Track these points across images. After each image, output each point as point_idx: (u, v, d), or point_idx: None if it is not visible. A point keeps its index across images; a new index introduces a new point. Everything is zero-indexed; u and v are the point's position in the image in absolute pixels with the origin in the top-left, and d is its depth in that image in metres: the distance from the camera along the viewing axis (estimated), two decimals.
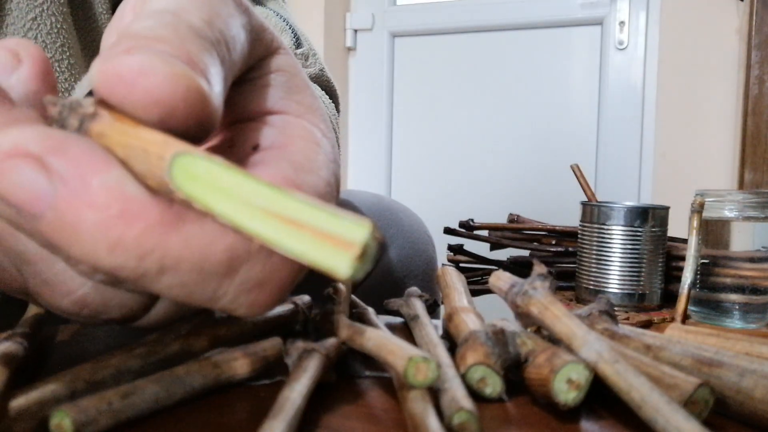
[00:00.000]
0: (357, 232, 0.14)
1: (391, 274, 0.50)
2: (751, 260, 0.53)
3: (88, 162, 0.16)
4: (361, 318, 0.31)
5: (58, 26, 0.38)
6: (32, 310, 0.29)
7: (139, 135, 0.16)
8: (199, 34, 0.18)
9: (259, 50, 0.22)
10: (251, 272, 0.17)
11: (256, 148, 0.20)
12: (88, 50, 0.43)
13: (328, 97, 0.46)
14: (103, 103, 0.17)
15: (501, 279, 0.26)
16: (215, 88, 0.18)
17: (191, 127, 0.17)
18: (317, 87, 0.45)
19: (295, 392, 0.20)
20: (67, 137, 0.16)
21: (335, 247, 0.14)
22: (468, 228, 0.72)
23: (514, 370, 0.24)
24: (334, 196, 0.21)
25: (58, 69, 0.38)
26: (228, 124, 0.22)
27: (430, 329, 0.28)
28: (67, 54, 0.39)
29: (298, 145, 0.20)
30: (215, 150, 0.21)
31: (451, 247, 0.74)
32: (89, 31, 0.43)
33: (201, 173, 0.15)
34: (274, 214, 0.15)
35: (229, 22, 0.19)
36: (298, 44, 0.47)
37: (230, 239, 0.17)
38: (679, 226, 0.61)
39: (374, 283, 0.49)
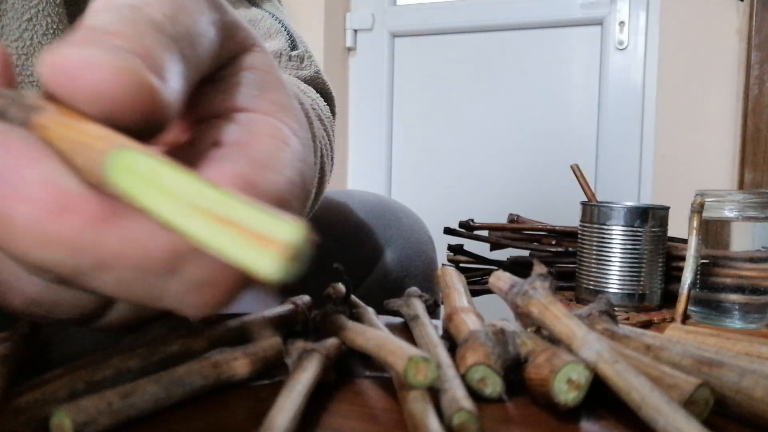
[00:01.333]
0: (286, 231, 0.14)
1: (391, 275, 0.49)
2: (751, 260, 0.53)
3: (22, 153, 0.15)
4: (361, 318, 0.31)
5: (54, 27, 0.38)
6: None
7: (82, 129, 0.16)
8: (160, 29, 0.17)
9: (232, 47, 0.21)
10: (196, 271, 0.17)
11: (217, 144, 0.20)
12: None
13: (323, 99, 0.45)
14: (50, 97, 0.16)
15: (501, 279, 0.26)
16: (171, 84, 0.17)
17: (140, 124, 0.17)
18: (312, 89, 0.45)
19: (295, 392, 0.20)
20: (2, 128, 0.16)
21: (262, 246, 0.14)
22: (468, 228, 0.72)
23: (514, 370, 0.24)
24: (299, 196, 0.20)
25: None
26: (195, 122, 0.21)
27: (430, 329, 0.28)
28: None
29: (263, 142, 0.20)
30: (177, 147, 0.21)
31: (451, 247, 0.74)
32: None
33: (138, 169, 0.15)
34: (206, 212, 0.15)
35: (195, 18, 0.19)
36: (293, 46, 0.47)
37: (172, 236, 0.16)
38: (679, 226, 0.61)
39: (374, 284, 0.49)
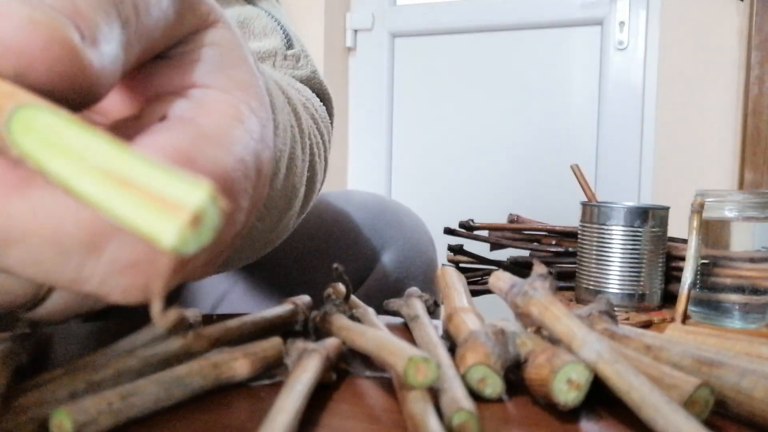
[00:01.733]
0: (192, 195, 0.12)
1: (392, 275, 0.49)
2: (751, 260, 0.53)
3: None
4: (361, 318, 0.31)
5: None
6: None
7: None
8: None
9: (192, 22, 0.20)
10: (121, 250, 0.15)
11: (163, 119, 0.18)
12: None
13: (319, 100, 0.45)
14: None
15: (501, 279, 0.26)
16: (105, 50, 0.16)
17: (61, 86, 0.15)
18: (307, 89, 0.44)
19: (295, 392, 0.20)
20: None
21: (165, 212, 0.12)
22: (468, 228, 0.72)
23: (514, 370, 0.24)
24: (249, 175, 0.18)
25: None
26: (146, 100, 0.20)
27: (430, 329, 0.28)
28: None
29: (212, 117, 0.18)
30: (122, 122, 0.19)
31: (451, 248, 0.74)
32: None
33: (40, 127, 0.14)
34: (109, 175, 0.13)
35: None
36: (289, 45, 0.46)
37: (92, 210, 0.14)
38: (679, 226, 0.61)
39: (374, 284, 0.49)
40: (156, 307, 0.15)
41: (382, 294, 0.48)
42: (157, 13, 0.18)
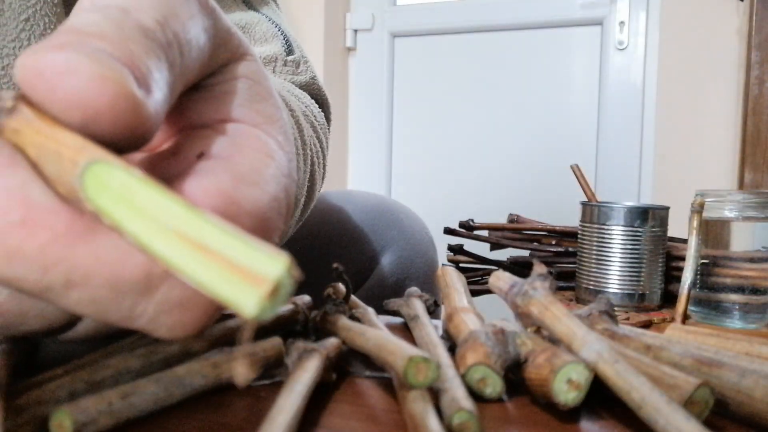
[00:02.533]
0: (272, 266, 0.13)
1: (392, 276, 0.49)
2: (751, 260, 0.53)
3: None
4: (361, 318, 0.31)
5: (52, 27, 0.38)
6: None
7: (56, 136, 0.15)
8: (147, 34, 0.16)
9: (223, 55, 0.21)
10: (172, 292, 0.16)
11: (200, 156, 0.19)
12: None
13: (317, 106, 0.45)
14: (27, 99, 0.15)
15: (501, 279, 0.26)
16: (156, 95, 0.16)
17: (120, 135, 0.16)
18: (306, 95, 0.44)
19: (295, 392, 0.20)
20: None
21: (245, 282, 0.13)
22: (468, 228, 0.72)
23: (514, 370, 0.24)
24: (282, 212, 0.19)
25: None
26: (179, 130, 0.21)
27: (430, 329, 0.28)
28: None
29: (247, 155, 0.19)
30: (159, 156, 0.20)
31: (451, 248, 0.74)
32: None
33: (114, 185, 0.14)
34: (185, 238, 0.13)
35: (186, 24, 0.18)
36: (289, 51, 0.46)
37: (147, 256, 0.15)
38: (679, 226, 0.61)
39: (375, 285, 0.49)
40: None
41: (383, 294, 0.48)
42: (197, 51, 0.19)
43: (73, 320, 0.19)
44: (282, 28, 0.47)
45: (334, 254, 0.49)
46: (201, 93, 0.20)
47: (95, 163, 0.14)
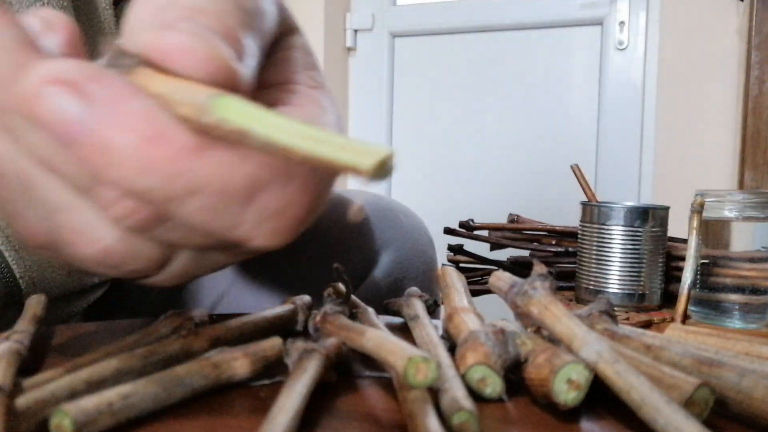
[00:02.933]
0: (378, 148, 0.16)
1: (391, 275, 0.49)
2: (751, 260, 0.53)
3: (123, 88, 0.17)
4: (361, 318, 0.31)
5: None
6: (30, 310, 0.29)
7: (179, 81, 0.18)
8: (239, 6, 0.20)
9: (283, 27, 0.24)
10: (270, 199, 0.18)
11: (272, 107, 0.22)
12: (89, 39, 0.44)
13: None
14: (145, 61, 0.19)
15: (501, 279, 0.26)
16: (248, 62, 0.20)
17: None
18: None
19: (295, 392, 0.20)
20: (103, 70, 0.18)
21: (359, 153, 0.16)
22: (468, 228, 0.72)
23: (514, 370, 0.24)
24: None
25: None
26: (251, 90, 0.23)
27: (430, 329, 0.28)
28: None
29: (308, 108, 0.22)
30: None
31: (451, 248, 0.74)
32: (90, 21, 0.44)
33: (239, 107, 0.17)
34: (304, 135, 0.16)
35: None
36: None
37: (251, 166, 0.18)
38: (679, 226, 0.61)
39: (374, 284, 0.49)
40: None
41: (381, 293, 0.48)
42: (271, 20, 0.22)
43: (168, 262, 0.21)
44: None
45: (333, 253, 0.49)
46: (269, 58, 0.23)
47: (220, 95, 0.17)
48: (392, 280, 0.49)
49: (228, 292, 0.51)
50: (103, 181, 0.18)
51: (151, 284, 0.23)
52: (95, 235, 0.19)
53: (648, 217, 0.57)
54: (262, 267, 0.49)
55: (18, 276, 0.39)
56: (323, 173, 0.20)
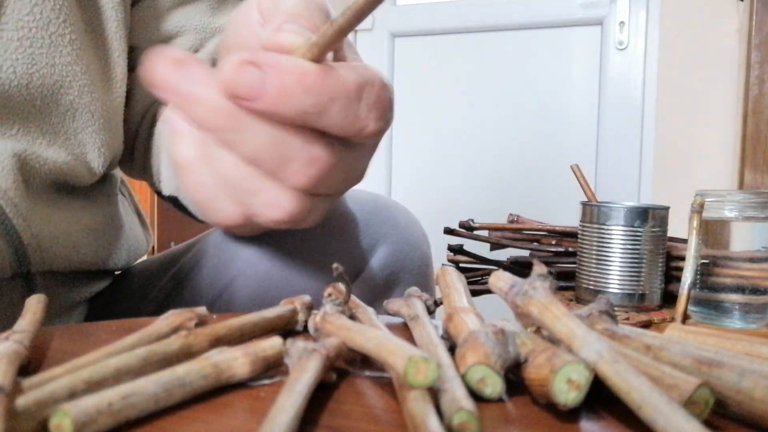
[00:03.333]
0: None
1: (387, 268, 0.50)
2: (751, 260, 0.53)
3: (279, 55, 0.26)
4: (361, 318, 0.31)
5: (61, 2, 0.41)
6: (29, 310, 0.29)
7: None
8: (320, 8, 0.29)
9: None
10: (370, 95, 0.27)
11: None
12: (89, 26, 0.44)
13: None
14: None
15: (501, 279, 0.26)
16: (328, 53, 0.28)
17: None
18: None
19: (295, 392, 0.20)
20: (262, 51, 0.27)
21: None
22: (468, 228, 0.72)
23: (514, 370, 0.24)
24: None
25: (60, 43, 0.41)
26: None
27: (430, 329, 0.28)
28: (69, 30, 0.42)
29: (367, 71, 0.29)
30: None
31: (451, 248, 0.74)
32: (91, 8, 0.45)
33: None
34: None
35: None
36: None
37: (356, 75, 0.27)
38: (679, 226, 0.61)
39: (370, 277, 0.50)
40: None
41: (379, 286, 0.49)
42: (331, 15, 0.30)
43: (317, 211, 0.31)
44: None
45: (330, 247, 0.49)
46: None
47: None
48: (388, 273, 0.50)
49: (225, 292, 0.51)
50: (283, 114, 0.26)
51: (302, 227, 0.31)
52: (281, 204, 0.28)
53: (648, 217, 0.57)
54: (259, 265, 0.50)
55: (26, 243, 0.40)
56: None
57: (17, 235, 0.40)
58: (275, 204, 0.28)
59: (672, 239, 0.63)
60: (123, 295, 0.56)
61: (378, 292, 0.49)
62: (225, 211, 0.30)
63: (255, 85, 0.25)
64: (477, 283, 0.70)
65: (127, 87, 0.49)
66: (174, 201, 0.51)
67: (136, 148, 0.55)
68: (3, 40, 0.39)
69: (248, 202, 0.29)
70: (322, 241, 0.49)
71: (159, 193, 0.54)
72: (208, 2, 0.52)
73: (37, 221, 0.41)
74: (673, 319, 0.51)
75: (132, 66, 0.50)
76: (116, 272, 0.58)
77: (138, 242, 0.56)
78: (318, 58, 0.26)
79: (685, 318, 0.50)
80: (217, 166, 0.28)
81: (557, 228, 0.69)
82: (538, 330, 0.27)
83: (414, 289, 0.35)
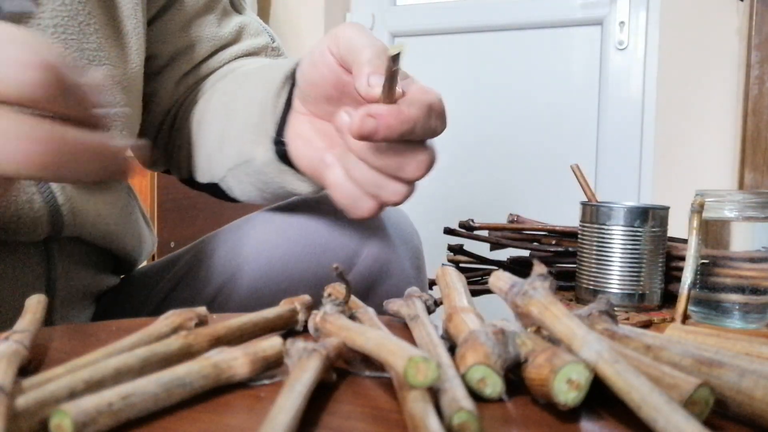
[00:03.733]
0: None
1: (378, 260, 0.51)
2: (751, 260, 0.53)
3: (379, 106, 0.36)
4: (361, 318, 0.31)
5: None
6: (29, 311, 0.29)
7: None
8: (381, 55, 0.38)
9: None
10: (434, 110, 0.38)
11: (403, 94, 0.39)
12: (110, 20, 0.49)
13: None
14: None
15: (501, 279, 0.26)
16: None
17: None
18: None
19: (295, 392, 0.20)
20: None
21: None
22: (468, 228, 0.72)
23: (514, 370, 0.24)
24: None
25: (87, 31, 0.46)
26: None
27: (430, 329, 0.28)
28: (93, 21, 0.47)
29: (425, 92, 0.39)
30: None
31: (451, 248, 0.74)
32: (111, 4, 0.49)
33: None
34: None
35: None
36: (273, 40, 0.63)
37: (423, 99, 0.38)
38: (679, 226, 0.61)
39: (364, 270, 0.51)
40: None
41: (373, 277, 0.51)
42: None
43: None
44: (264, 25, 0.64)
45: (325, 242, 0.51)
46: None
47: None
48: (380, 265, 0.52)
49: (224, 290, 0.51)
50: (392, 138, 0.37)
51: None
52: (402, 192, 0.41)
53: (648, 217, 0.57)
54: (257, 264, 0.51)
55: (60, 203, 0.44)
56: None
57: (53, 196, 0.44)
58: (399, 193, 0.41)
59: (672, 239, 0.63)
60: (125, 299, 0.56)
61: (369, 285, 0.51)
62: (367, 205, 0.42)
63: (374, 127, 0.36)
64: (477, 283, 0.70)
65: (147, 93, 0.55)
66: (210, 188, 0.56)
67: (156, 146, 0.61)
68: (41, 27, 0.44)
69: (378, 195, 0.41)
70: (316, 234, 0.51)
71: (186, 181, 0.60)
72: (214, 15, 0.59)
73: (69, 186, 0.45)
74: (673, 319, 0.51)
75: (151, 73, 0.55)
76: (121, 276, 0.59)
77: (146, 240, 0.58)
78: (394, 97, 0.37)
79: (685, 318, 0.50)
80: (355, 174, 0.40)
81: (557, 228, 0.69)
82: (538, 330, 0.27)
83: (414, 289, 0.35)
